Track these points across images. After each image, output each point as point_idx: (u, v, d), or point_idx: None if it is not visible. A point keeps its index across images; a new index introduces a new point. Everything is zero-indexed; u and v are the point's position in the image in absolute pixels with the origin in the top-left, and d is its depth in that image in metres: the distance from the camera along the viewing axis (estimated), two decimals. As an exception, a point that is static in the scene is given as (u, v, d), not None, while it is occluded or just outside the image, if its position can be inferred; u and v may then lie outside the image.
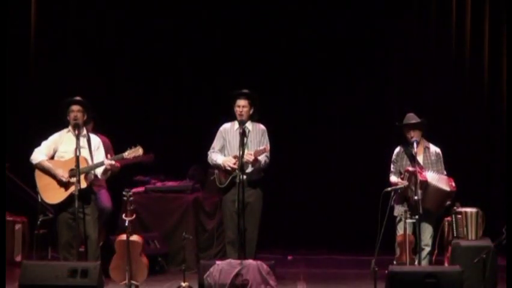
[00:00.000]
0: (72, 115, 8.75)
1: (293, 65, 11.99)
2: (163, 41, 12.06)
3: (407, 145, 9.15)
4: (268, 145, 9.16)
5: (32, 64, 11.94)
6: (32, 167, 8.78)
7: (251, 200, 9.11)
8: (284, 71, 11.97)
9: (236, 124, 9.25)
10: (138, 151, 8.73)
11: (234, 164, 9.02)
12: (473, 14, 11.67)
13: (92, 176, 8.76)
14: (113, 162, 8.70)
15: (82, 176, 8.53)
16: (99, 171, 8.74)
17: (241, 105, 9.18)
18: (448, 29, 11.76)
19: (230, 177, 9.11)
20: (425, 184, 8.77)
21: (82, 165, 8.54)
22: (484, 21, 11.65)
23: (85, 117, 8.84)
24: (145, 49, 12.06)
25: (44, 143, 8.81)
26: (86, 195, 8.63)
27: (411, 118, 9.13)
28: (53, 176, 8.67)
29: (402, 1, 11.90)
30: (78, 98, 8.86)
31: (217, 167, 9.25)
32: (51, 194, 8.69)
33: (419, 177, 8.72)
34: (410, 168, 8.91)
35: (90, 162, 8.66)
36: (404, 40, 11.90)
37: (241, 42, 11.97)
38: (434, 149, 9.24)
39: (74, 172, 8.48)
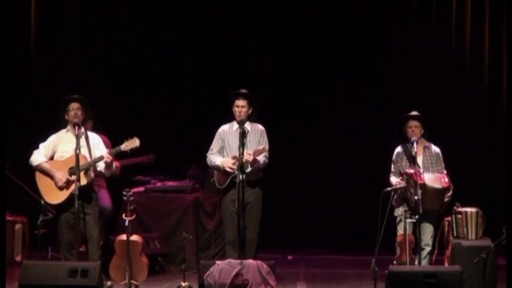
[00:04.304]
0: (72, 113, 8.75)
1: (293, 65, 11.97)
2: (163, 41, 12.06)
3: (407, 145, 9.16)
4: (267, 145, 9.17)
5: (32, 64, 11.95)
6: (32, 169, 8.79)
7: (251, 200, 9.12)
8: (284, 71, 11.96)
9: (234, 125, 9.26)
10: (135, 142, 8.72)
11: (233, 164, 9.03)
12: (473, 14, 11.67)
13: (92, 174, 8.75)
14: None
15: (82, 173, 8.54)
16: (102, 166, 8.74)
17: (240, 105, 9.20)
18: (448, 29, 11.76)
19: (229, 178, 9.13)
20: (423, 186, 8.76)
21: (81, 163, 8.54)
22: (484, 21, 11.65)
23: (83, 116, 8.85)
24: (144, 49, 12.07)
25: (42, 145, 8.82)
26: (86, 193, 8.64)
27: (413, 113, 9.18)
28: (52, 179, 8.68)
29: (402, 1, 11.89)
30: (76, 96, 8.87)
31: (217, 168, 9.26)
32: (54, 194, 8.70)
33: (418, 181, 8.71)
34: (408, 171, 8.91)
35: (89, 160, 8.67)
36: (404, 40, 11.89)
37: (242, 43, 11.97)
38: (434, 148, 9.25)
39: (74, 170, 8.50)
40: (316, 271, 10.54)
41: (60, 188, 8.64)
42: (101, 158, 8.65)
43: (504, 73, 11.48)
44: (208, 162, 9.36)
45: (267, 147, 9.13)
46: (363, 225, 10.92)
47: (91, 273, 7.98)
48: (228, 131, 9.31)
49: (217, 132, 9.36)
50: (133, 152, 8.97)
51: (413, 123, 9.12)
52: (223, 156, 9.26)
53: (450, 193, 9.03)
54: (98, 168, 8.78)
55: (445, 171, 9.17)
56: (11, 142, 10.89)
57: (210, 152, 9.34)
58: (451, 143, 10.88)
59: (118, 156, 9.56)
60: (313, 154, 11.99)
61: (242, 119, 9.18)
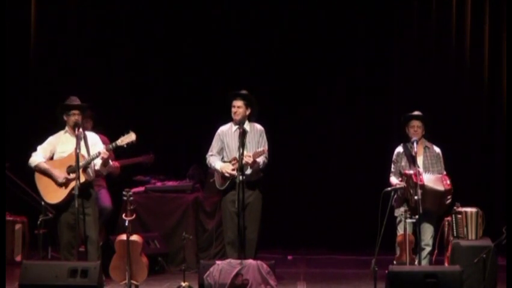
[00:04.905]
0: (72, 118, 8.74)
1: (293, 65, 11.97)
2: (163, 41, 12.05)
3: (408, 145, 9.15)
4: (266, 145, 9.18)
5: (32, 64, 11.94)
6: (32, 170, 8.80)
7: (250, 200, 9.13)
8: (284, 71, 11.96)
9: (233, 126, 9.27)
10: (131, 136, 8.71)
11: (232, 170, 9.04)
12: (473, 14, 11.67)
13: (91, 174, 8.75)
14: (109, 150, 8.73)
15: (80, 171, 8.53)
16: (98, 163, 8.73)
17: (237, 106, 9.22)
18: (448, 29, 11.76)
19: (229, 180, 9.13)
20: (422, 187, 8.76)
21: (80, 162, 8.55)
22: (484, 21, 11.65)
23: (82, 118, 8.87)
24: (144, 49, 12.06)
25: (40, 147, 8.84)
26: (85, 191, 8.64)
27: (416, 112, 9.19)
28: (51, 177, 8.69)
29: (402, 1, 11.89)
30: (74, 99, 8.83)
31: (216, 171, 9.28)
32: (53, 194, 8.71)
33: (418, 182, 8.71)
34: (408, 172, 8.90)
35: (87, 158, 8.67)
36: (404, 41, 11.89)
37: (242, 43, 11.96)
38: (435, 149, 9.24)
39: (72, 169, 8.51)
40: (316, 271, 10.55)
41: (60, 185, 8.65)
42: (98, 155, 8.66)
43: (504, 73, 11.48)
44: (208, 164, 9.39)
45: (267, 148, 9.13)
46: (363, 225, 10.93)
47: (91, 273, 7.98)
48: (226, 132, 9.31)
49: (216, 133, 9.37)
50: (132, 150, 8.96)
51: (416, 123, 9.12)
52: (223, 157, 9.27)
53: (450, 196, 9.03)
54: (96, 167, 8.78)
55: (445, 172, 9.18)
56: (11, 142, 10.88)
57: (209, 153, 9.35)
58: (451, 143, 10.86)
59: (118, 156, 9.58)
60: (313, 154, 11.99)
61: (239, 119, 9.19)
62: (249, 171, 9.07)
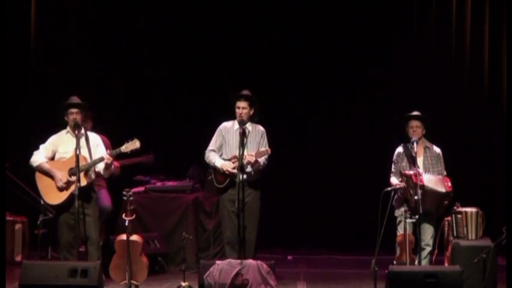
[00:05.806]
0: (71, 117, 8.75)
1: (292, 65, 11.97)
2: (162, 41, 12.05)
3: (408, 145, 9.15)
4: (268, 147, 9.17)
5: (32, 64, 11.94)
6: (32, 170, 8.80)
7: (249, 200, 9.12)
8: (284, 70, 11.96)
9: (236, 124, 9.27)
10: (135, 144, 8.73)
11: (233, 168, 9.04)
12: (473, 14, 11.67)
13: (92, 175, 8.76)
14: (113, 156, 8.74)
15: (82, 174, 8.54)
16: (101, 167, 8.74)
17: (241, 107, 9.22)
18: (447, 29, 11.76)
19: (228, 178, 9.13)
20: (421, 187, 8.76)
21: (81, 164, 8.55)
22: (484, 21, 11.65)
23: (83, 117, 8.86)
24: (144, 48, 12.06)
25: (42, 146, 8.84)
26: (86, 194, 8.65)
27: (415, 112, 9.18)
28: (53, 178, 8.68)
29: (402, 1, 11.89)
30: (75, 99, 8.84)
31: (214, 168, 9.27)
32: (53, 194, 8.70)
33: (418, 182, 8.71)
34: (407, 172, 8.90)
35: (89, 161, 8.67)
36: (404, 40, 11.89)
37: (242, 43, 11.96)
38: (435, 149, 9.24)
39: (74, 171, 8.51)
40: (317, 271, 10.55)
41: (60, 189, 8.65)
42: (101, 159, 8.66)
43: (504, 73, 11.48)
44: (206, 160, 9.35)
45: (269, 150, 9.12)
46: (363, 225, 10.92)
47: (91, 273, 7.99)
48: (229, 129, 9.31)
49: (218, 129, 9.36)
50: (133, 152, 8.97)
51: (415, 123, 9.12)
52: (222, 154, 9.27)
53: (449, 198, 9.02)
54: (97, 169, 8.78)
55: (445, 173, 9.18)
56: (11, 142, 10.88)
57: (209, 148, 9.33)
58: (451, 143, 10.87)
59: (118, 156, 9.58)
60: (314, 154, 11.99)
61: (244, 119, 9.20)
62: (249, 169, 9.07)
